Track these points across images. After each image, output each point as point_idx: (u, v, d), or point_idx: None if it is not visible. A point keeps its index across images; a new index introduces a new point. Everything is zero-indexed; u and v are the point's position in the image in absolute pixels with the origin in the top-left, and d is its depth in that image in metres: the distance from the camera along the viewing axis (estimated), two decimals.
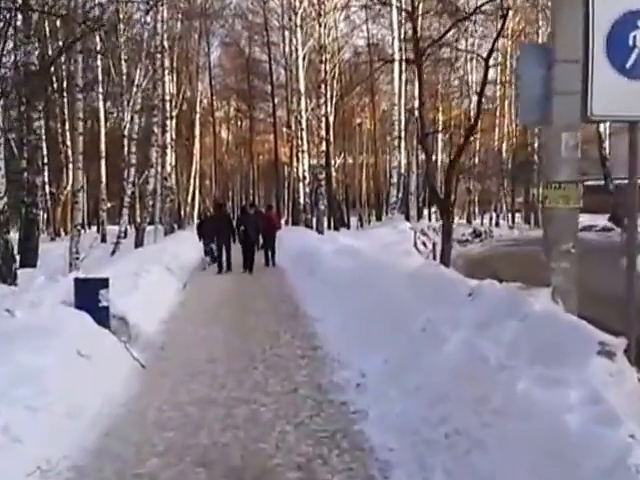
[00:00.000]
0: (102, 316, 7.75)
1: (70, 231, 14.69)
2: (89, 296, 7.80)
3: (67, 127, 28.33)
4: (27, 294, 8.20)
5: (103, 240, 28.88)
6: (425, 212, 37.23)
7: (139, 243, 22.62)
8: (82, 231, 14.49)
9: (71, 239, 14.25)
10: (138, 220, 26.97)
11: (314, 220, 28.39)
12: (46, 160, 27.78)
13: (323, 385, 6.20)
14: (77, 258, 14.10)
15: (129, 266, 13.30)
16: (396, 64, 26.76)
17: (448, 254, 10.83)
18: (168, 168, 30.16)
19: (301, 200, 30.37)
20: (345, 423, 5.15)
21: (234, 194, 59.67)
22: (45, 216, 35.95)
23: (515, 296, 5.14)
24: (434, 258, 9.69)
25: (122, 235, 20.41)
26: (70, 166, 18.00)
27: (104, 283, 8.00)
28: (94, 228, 35.37)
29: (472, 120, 14.41)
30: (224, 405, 5.66)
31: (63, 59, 20.98)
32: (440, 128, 28.97)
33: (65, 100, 26.10)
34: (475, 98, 22.64)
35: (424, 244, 19.64)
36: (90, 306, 7.73)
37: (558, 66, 5.01)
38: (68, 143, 34.72)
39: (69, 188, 28.94)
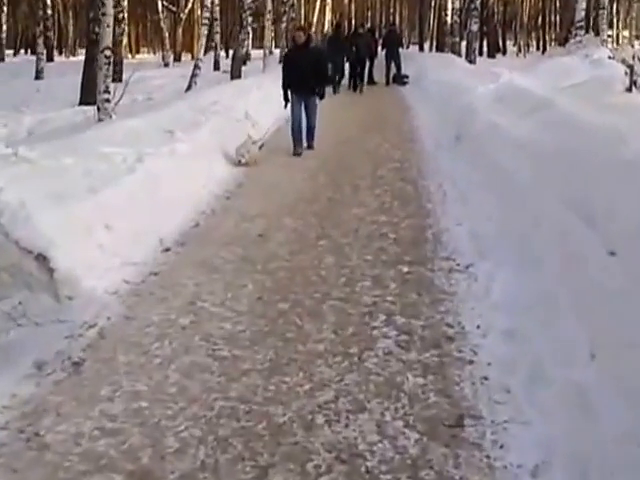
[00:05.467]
0: None
1: (95, 57, 9.91)
2: None
3: None
4: None
5: (217, 68, 24.33)
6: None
7: (235, 74, 17.74)
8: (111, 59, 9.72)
9: (99, 70, 9.50)
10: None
11: (463, 45, 22.33)
12: None
13: None
14: (107, 100, 9.39)
15: (181, 115, 8.85)
16: None
17: None
18: None
19: (448, 19, 23.82)
20: None
21: (374, 13, 52.39)
22: (166, 36, 32.28)
23: None
24: None
25: (198, 64, 15.61)
26: None
27: None
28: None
29: None
30: None
31: None
32: None
33: None
34: None
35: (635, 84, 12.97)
36: None
37: None
38: None
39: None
